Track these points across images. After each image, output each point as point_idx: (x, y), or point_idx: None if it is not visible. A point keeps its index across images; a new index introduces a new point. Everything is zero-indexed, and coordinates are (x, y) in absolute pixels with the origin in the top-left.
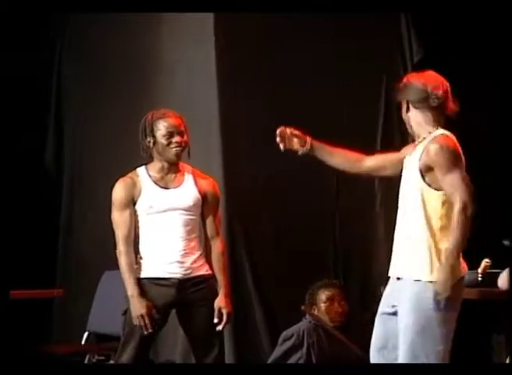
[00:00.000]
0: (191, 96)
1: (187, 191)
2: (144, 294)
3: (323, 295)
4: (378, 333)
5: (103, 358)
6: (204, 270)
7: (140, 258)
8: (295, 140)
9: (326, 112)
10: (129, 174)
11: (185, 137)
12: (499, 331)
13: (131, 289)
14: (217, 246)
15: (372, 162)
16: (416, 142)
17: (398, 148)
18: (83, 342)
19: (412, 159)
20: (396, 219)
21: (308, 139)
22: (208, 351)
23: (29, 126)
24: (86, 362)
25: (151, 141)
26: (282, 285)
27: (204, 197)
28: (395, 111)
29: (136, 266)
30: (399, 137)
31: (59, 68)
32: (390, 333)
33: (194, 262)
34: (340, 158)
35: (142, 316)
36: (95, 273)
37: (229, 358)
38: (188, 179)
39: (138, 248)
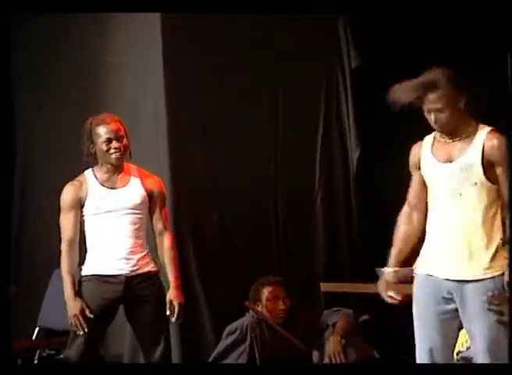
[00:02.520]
0: (139, 97)
1: (133, 190)
2: (79, 295)
3: (266, 292)
4: (438, 332)
5: (53, 352)
6: (151, 267)
7: (89, 256)
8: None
9: (268, 115)
10: (78, 177)
11: (124, 141)
12: None
13: (67, 289)
14: (166, 240)
15: (421, 215)
16: (448, 140)
17: (337, 149)
18: (33, 337)
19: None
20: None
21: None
22: (154, 346)
23: None
24: (36, 356)
25: (92, 146)
26: (227, 281)
27: (150, 195)
28: (334, 113)
29: (78, 268)
30: (337, 138)
31: (8, 70)
32: (450, 333)
33: (141, 259)
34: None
35: (75, 315)
36: (45, 272)
37: (175, 352)
38: (134, 178)
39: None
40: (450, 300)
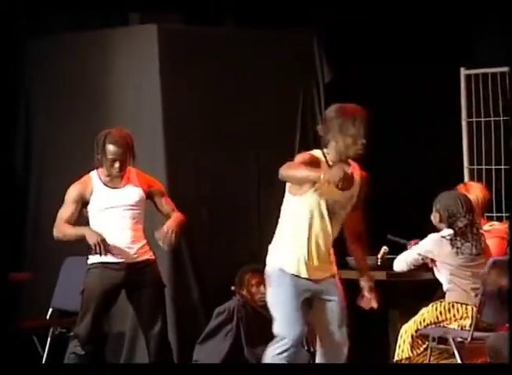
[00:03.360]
0: (138, 108)
1: (132, 189)
2: (84, 287)
3: (250, 278)
4: None
5: (64, 330)
6: (149, 255)
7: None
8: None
9: (252, 122)
10: (84, 178)
11: (127, 160)
12: (394, 306)
13: (81, 229)
14: (176, 215)
15: None
16: None
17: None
18: (47, 317)
19: None
20: None
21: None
22: (153, 325)
23: (3, 137)
24: (50, 334)
25: (101, 157)
26: (217, 269)
27: (148, 191)
28: (309, 120)
29: (85, 257)
30: (312, 141)
31: (28, 86)
32: None
33: (140, 248)
34: None
35: (98, 241)
36: (59, 259)
37: (171, 331)
38: (133, 179)
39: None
40: None
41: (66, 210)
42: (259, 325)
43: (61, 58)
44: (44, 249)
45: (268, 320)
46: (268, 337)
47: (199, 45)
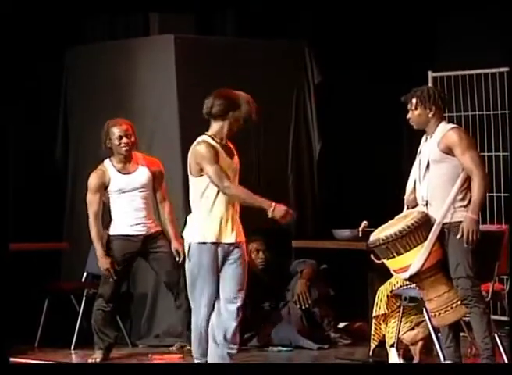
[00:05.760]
0: (158, 109)
1: (142, 173)
2: (108, 253)
3: (251, 246)
4: None
5: (97, 291)
6: (158, 228)
7: (114, 222)
8: None
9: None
10: (99, 166)
11: (132, 139)
12: (372, 270)
13: (99, 250)
14: (166, 207)
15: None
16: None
17: (304, 143)
18: (83, 280)
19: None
20: None
21: None
22: (176, 280)
23: (47, 130)
24: (84, 294)
25: (108, 142)
26: None
27: (153, 175)
28: (301, 116)
29: (106, 231)
30: (305, 135)
31: (65, 88)
32: None
33: (151, 223)
34: None
35: (107, 269)
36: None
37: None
38: (141, 164)
39: (108, 220)
40: None
41: (94, 199)
42: (259, 285)
43: (92, 64)
44: (78, 224)
45: (265, 281)
46: (266, 294)
47: (208, 52)
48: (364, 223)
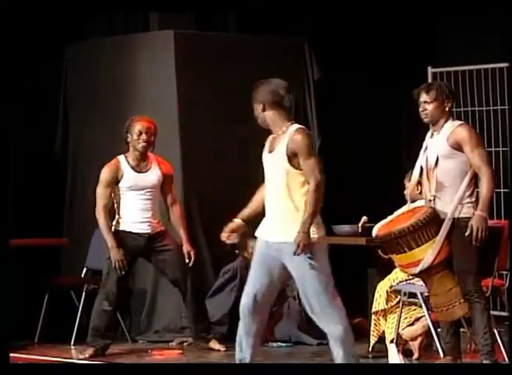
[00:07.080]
0: (158, 105)
1: (154, 174)
2: (119, 245)
3: (250, 244)
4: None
5: (97, 286)
6: (162, 228)
7: (120, 218)
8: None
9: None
10: (113, 161)
11: (152, 138)
12: (372, 266)
13: (110, 241)
14: (176, 210)
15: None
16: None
17: None
18: (82, 275)
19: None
20: None
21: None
22: (184, 278)
23: (47, 126)
24: (84, 289)
25: (129, 136)
26: None
27: (164, 177)
28: (301, 112)
29: (114, 223)
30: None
31: (65, 83)
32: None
33: (156, 223)
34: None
35: (119, 260)
36: (90, 227)
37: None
38: (154, 165)
39: (115, 214)
40: None
41: (104, 193)
42: None
43: (92, 60)
44: (78, 220)
45: None
46: None
47: (208, 48)
48: (364, 218)
